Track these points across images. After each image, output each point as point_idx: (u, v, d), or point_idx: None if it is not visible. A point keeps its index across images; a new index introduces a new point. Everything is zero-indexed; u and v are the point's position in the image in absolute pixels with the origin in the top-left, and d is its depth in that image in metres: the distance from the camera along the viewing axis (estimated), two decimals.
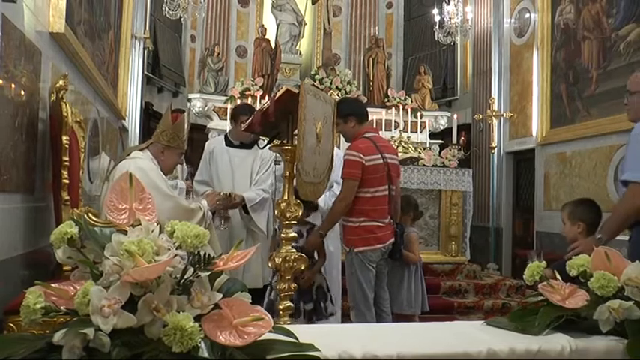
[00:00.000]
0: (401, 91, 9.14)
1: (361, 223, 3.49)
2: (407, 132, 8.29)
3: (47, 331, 1.08)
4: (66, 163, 2.59)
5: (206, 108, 8.35)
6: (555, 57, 6.71)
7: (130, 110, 6.29)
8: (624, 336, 1.42)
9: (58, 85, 2.65)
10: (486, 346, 1.34)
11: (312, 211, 3.75)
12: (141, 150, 3.10)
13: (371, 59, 9.26)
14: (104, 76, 4.36)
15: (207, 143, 4.09)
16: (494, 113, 7.67)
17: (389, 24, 10.48)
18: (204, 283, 1.15)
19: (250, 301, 1.17)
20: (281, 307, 2.49)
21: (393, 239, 3.61)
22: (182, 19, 7.74)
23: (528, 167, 7.38)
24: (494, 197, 7.77)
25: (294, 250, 2.54)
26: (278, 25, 9.44)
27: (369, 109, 3.98)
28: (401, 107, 8.68)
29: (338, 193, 3.65)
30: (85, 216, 1.53)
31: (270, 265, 2.54)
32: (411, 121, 8.69)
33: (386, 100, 8.89)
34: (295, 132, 2.39)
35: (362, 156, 3.44)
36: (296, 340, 1.19)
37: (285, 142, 2.54)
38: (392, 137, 7.42)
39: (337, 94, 8.31)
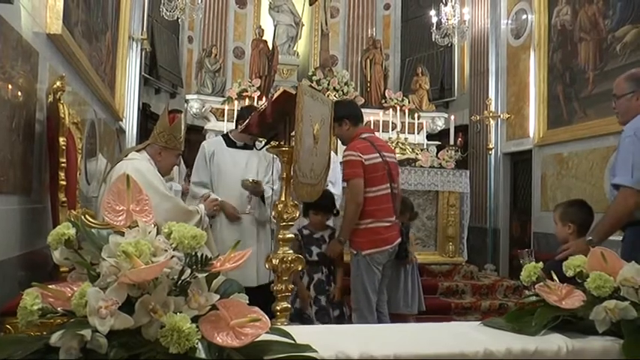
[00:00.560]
0: (398, 93, 9.15)
1: (367, 225, 3.48)
2: (404, 133, 8.30)
3: (44, 333, 1.08)
4: (63, 165, 2.59)
5: (203, 109, 8.35)
6: (552, 58, 6.72)
7: (128, 111, 6.28)
8: (620, 336, 1.43)
9: (55, 86, 2.65)
10: (483, 347, 1.34)
11: (333, 216, 3.80)
12: (138, 151, 3.10)
13: (368, 60, 9.28)
14: (101, 77, 4.36)
15: (203, 144, 4.03)
16: (491, 114, 7.68)
17: (386, 25, 10.48)
18: (201, 285, 1.15)
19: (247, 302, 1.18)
20: (278, 308, 2.49)
21: (399, 239, 3.62)
22: (179, 20, 7.74)
23: (525, 168, 7.39)
24: (492, 198, 7.78)
25: (291, 251, 2.54)
26: (275, 27, 9.44)
27: (366, 111, 4.01)
28: (398, 108, 8.69)
29: (337, 192, 3.68)
30: (83, 217, 1.53)
31: (267, 266, 2.54)
32: (409, 122, 8.70)
33: (383, 101, 8.90)
34: (293, 133, 2.39)
35: (361, 155, 3.44)
36: (293, 341, 1.19)
37: (282, 143, 2.54)
38: (389, 138, 7.42)
39: (335, 96, 8.32)
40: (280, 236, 2.53)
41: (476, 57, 8.59)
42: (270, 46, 8.92)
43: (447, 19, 8.05)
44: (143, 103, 7.53)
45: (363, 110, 3.98)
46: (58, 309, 1.09)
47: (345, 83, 8.86)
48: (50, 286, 1.13)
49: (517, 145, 7.55)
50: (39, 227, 2.66)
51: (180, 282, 1.13)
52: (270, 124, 2.57)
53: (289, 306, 2.54)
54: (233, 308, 1.12)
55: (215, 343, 1.06)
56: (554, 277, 1.58)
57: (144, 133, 6.88)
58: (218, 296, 1.14)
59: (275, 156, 2.75)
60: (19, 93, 2.38)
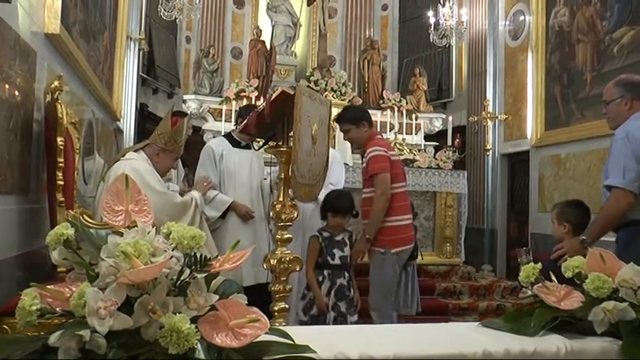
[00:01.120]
0: (396, 93, 9.14)
1: (393, 222, 3.46)
2: (402, 134, 8.31)
3: (42, 333, 1.08)
4: (61, 165, 2.58)
5: (201, 109, 8.34)
6: (550, 59, 6.73)
7: (125, 111, 6.27)
8: (619, 337, 1.43)
9: (53, 86, 2.64)
10: (482, 347, 1.35)
11: (354, 218, 3.67)
12: (136, 151, 3.10)
13: (366, 61, 9.27)
14: (99, 77, 4.35)
15: (210, 145, 3.98)
16: (489, 115, 7.69)
17: (384, 26, 10.48)
18: (200, 285, 1.15)
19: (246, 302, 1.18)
20: (276, 308, 2.49)
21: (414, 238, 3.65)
22: (177, 21, 7.73)
23: (523, 169, 7.40)
24: (489, 199, 7.79)
25: (289, 251, 2.53)
26: (273, 27, 9.44)
27: None
28: (396, 109, 8.69)
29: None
30: (81, 217, 1.52)
31: (265, 266, 2.54)
32: (406, 123, 8.70)
33: (381, 101, 8.90)
34: (291, 133, 2.40)
35: (386, 150, 3.47)
36: (292, 342, 1.19)
37: (280, 143, 2.54)
38: (387, 139, 7.42)
39: (332, 96, 8.31)
40: (278, 237, 2.53)
41: (473, 58, 8.60)
42: (268, 47, 8.92)
43: (445, 20, 8.06)
44: (141, 103, 7.52)
45: None
46: (57, 309, 1.09)
47: (343, 84, 8.85)
48: (49, 287, 1.12)
49: (515, 146, 7.56)
50: (36, 227, 2.65)
51: (179, 282, 1.13)
52: (268, 124, 2.57)
53: (287, 306, 2.54)
54: (232, 309, 1.12)
55: (214, 343, 1.05)
56: (553, 278, 1.58)
57: (141, 133, 6.87)
58: (217, 297, 1.14)
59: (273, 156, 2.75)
60: (17, 93, 2.37)
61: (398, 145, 7.24)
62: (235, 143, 3.91)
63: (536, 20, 6.94)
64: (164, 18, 7.39)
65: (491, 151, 7.75)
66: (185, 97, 8.55)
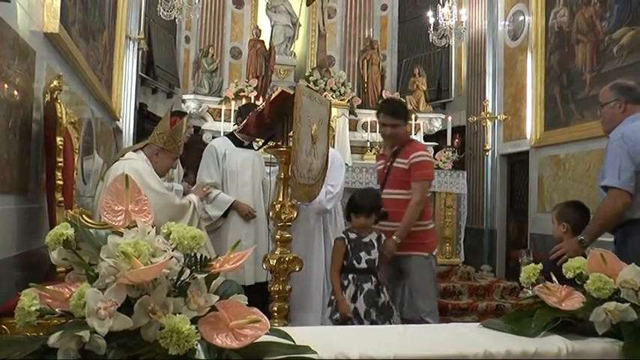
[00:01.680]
0: (395, 93, 9.13)
1: (428, 226, 3.59)
2: None
3: (41, 334, 1.07)
4: (60, 164, 2.57)
5: (200, 109, 8.34)
6: (549, 60, 6.73)
7: (124, 111, 6.26)
8: (620, 338, 1.43)
9: (52, 85, 2.63)
10: (483, 348, 1.34)
11: (383, 219, 3.41)
12: (135, 151, 3.09)
13: (365, 61, 9.26)
14: (98, 77, 4.34)
15: (213, 144, 3.99)
16: (488, 115, 7.69)
17: (383, 26, 10.47)
18: (200, 285, 1.14)
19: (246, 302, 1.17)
20: (275, 308, 2.48)
21: None
22: (177, 20, 7.71)
23: (522, 169, 7.40)
24: (489, 199, 7.79)
25: (289, 251, 2.53)
26: (272, 27, 9.43)
27: (363, 112, 4.06)
28: None
29: (334, 191, 3.67)
30: (80, 217, 1.52)
31: (264, 266, 2.54)
32: None
33: (380, 101, 8.89)
34: (290, 133, 2.39)
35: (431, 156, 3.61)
36: (292, 342, 1.19)
37: (280, 143, 2.54)
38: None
39: (332, 96, 8.30)
40: (278, 236, 2.52)
41: (473, 58, 8.59)
42: (267, 47, 8.91)
43: (445, 20, 8.05)
44: (140, 103, 7.51)
45: (360, 111, 4.03)
46: (56, 310, 1.08)
47: (342, 84, 8.85)
48: (48, 287, 1.12)
49: (514, 146, 7.56)
50: (36, 227, 2.65)
51: (179, 283, 1.12)
52: (268, 124, 2.56)
53: (286, 306, 2.54)
54: (232, 309, 1.11)
55: (214, 344, 1.05)
56: (554, 279, 1.58)
57: (140, 132, 6.86)
58: (217, 297, 1.14)
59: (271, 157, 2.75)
60: (16, 92, 2.36)
61: None
62: (238, 143, 3.92)
63: (536, 20, 6.94)
64: (163, 18, 7.38)
65: (490, 151, 7.75)
66: (184, 96, 8.55)
